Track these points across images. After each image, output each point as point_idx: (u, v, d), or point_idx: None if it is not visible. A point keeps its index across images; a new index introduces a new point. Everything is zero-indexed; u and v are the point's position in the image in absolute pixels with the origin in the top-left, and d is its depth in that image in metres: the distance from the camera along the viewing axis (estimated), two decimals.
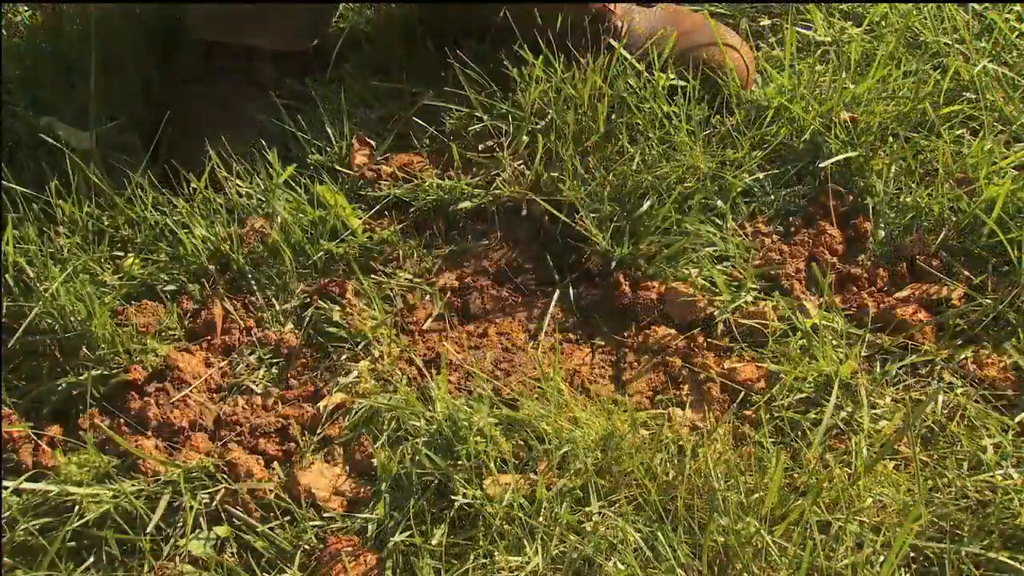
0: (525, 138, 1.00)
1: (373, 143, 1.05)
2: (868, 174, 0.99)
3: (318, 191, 0.98)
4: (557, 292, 0.94)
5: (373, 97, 1.11)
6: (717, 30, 1.04)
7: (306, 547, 0.75)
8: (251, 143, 1.03)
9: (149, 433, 0.83)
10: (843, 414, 0.81)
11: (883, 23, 1.12)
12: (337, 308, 0.91)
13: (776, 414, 0.82)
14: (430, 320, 0.92)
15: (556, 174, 0.98)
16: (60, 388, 0.87)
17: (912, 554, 0.72)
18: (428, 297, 0.94)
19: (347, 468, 0.81)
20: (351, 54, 1.16)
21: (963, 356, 0.85)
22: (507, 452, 0.77)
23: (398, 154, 1.04)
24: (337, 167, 1.02)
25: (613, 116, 1.01)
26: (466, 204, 0.99)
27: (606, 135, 1.00)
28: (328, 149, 1.04)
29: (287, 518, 0.77)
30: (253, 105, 1.07)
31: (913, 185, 0.98)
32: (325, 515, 0.77)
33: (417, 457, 0.77)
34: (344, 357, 0.88)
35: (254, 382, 0.88)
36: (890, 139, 1.00)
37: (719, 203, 0.97)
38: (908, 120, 1.01)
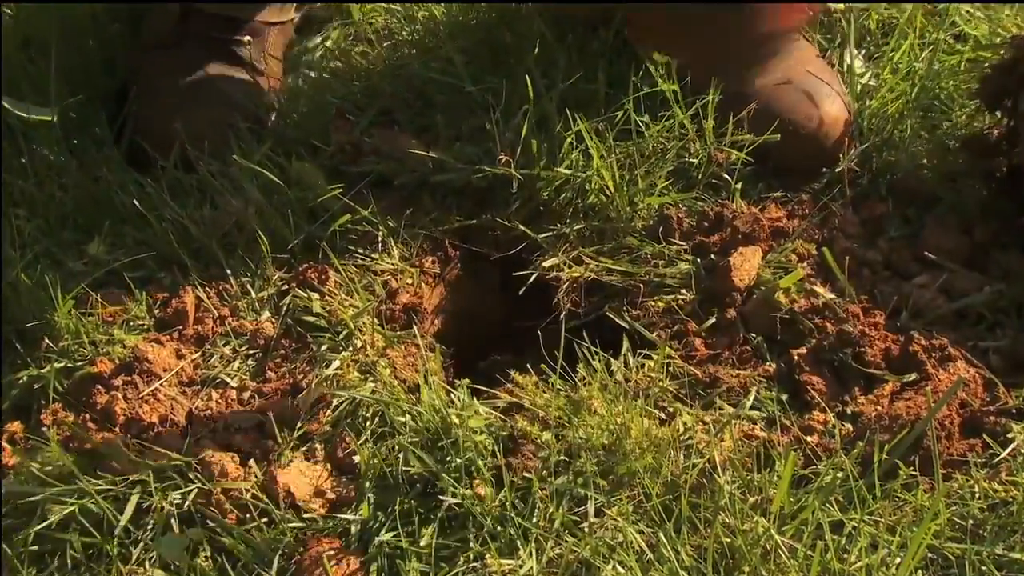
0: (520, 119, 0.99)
1: (354, 117, 1.04)
2: (885, 153, 0.99)
3: (295, 169, 0.97)
4: None
5: (357, 69, 1.10)
6: (816, 81, 0.95)
7: (285, 550, 0.75)
8: (224, 118, 1.02)
9: (117, 429, 0.83)
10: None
11: None
12: (316, 295, 0.91)
13: None
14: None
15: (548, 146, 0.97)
16: (21, 381, 0.86)
17: (930, 555, 0.72)
18: (413, 281, 0.93)
19: (328, 466, 0.80)
20: (335, 25, 1.15)
21: (985, 345, 0.85)
22: (499, 450, 0.76)
23: (381, 129, 1.03)
24: (316, 143, 1.01)
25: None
26: (453, 179, 0.98)
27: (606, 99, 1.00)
28: (307, 124, 1.03)
29: (264, 519, 0.76)
30: (227, 77, 1.06)
31: (934, 161, 0.97)
32: (305, 516, 0.77)
33: (403, 454, 0.77)
34: (324, 348, 0.87)
35: (229, 375, 0.87)
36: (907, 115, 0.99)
37: (726, 176, 0.97)
38: (926, 94, 1.01)
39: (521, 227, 0.97)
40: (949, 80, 1.02)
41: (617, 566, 0.71)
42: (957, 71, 1.02)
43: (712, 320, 0.88)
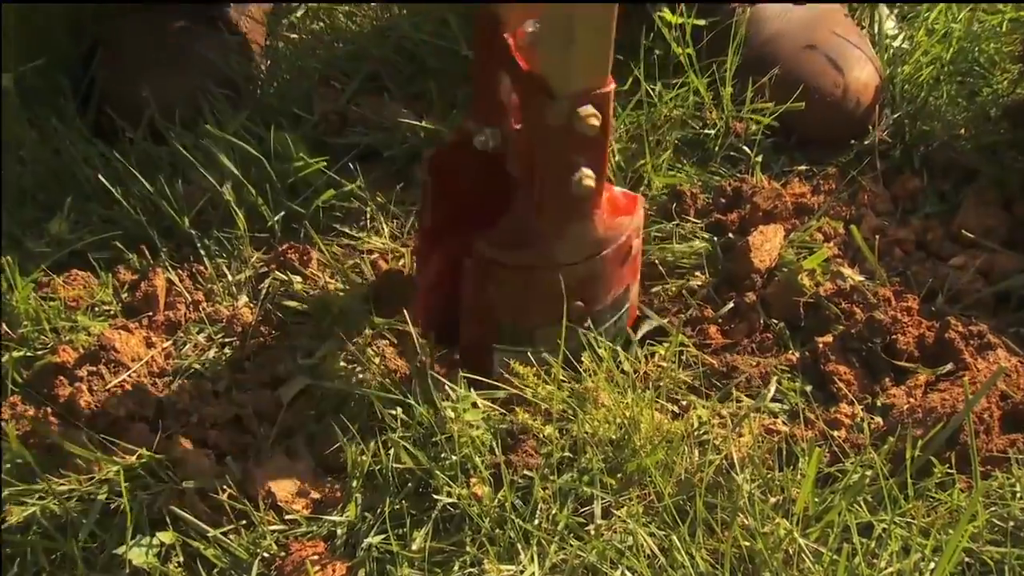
0: None
1: (339, 84, 1.04)
2: (919, 123, 0.98)
3: (275, 140, 0.96)
4: None
5: (342, 31, 1.09)
6: (847, 52, 0.95)
7: (265, 555, 0.74)
8: (198, 84, 1.01)
9: (81, 424, 0.82)
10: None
11: None
12: (298, 278, 0.90)
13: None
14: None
15: None
16: None
17: (967, 560, 0.72)
18: (403, 262, 0.92)
19: (312, 464, 0.80)
20: None
21: None
22: (498, 446, 0.76)
23: (369, 97, 1.03)
24: (298, 111, 1.00)
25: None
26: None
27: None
28: (287, 91, 1.03)
29: (243, 522, 0.76)
30: (201, 40, 1.05)
31: (973, 131, 0.97)
32: (287, 518, 0.76)
33: (394, 451, 0.76)
34: (307, 335, 0.87)
35: (203, 365, 0.87)
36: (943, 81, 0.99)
37: (745, 148, 0.96)
38: (964, 57, 1.00)
39: None
40: (990, 42, 1.01)
41: (626, 572, 0.70)
42: (998, 32, 1.02)
43: (730, 305, 0.88)
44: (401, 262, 0.93)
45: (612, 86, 0.70)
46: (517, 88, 0.73)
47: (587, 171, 0.72)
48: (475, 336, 0.81)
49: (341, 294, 0.89)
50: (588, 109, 0.69)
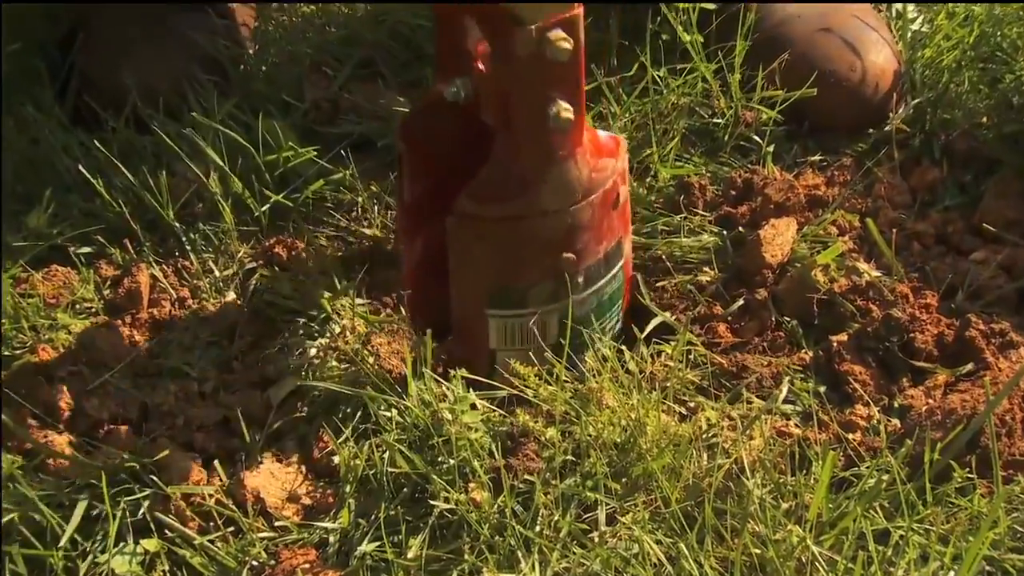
0: None
1: (331, 70, 1.03)
2: (939, 110, 0.98)
3: (264, 129, 0.96)
4: None
5: (334, 14, 1.09)
6: (864, 36, 0.95)
7: (254, 563, 0.74)
8: (183, 70, 1.00)
9: (61, 426, 0.82)
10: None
11: None
12: (287, 274, 0.90)
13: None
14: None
15: None
16: None
17: (988, 568, 0.72)
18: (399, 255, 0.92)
19: (303, 468, 0.80)
20: None
21: None
22: (497, 449, 0.76)
23: (362, 83, 1.02)
24: (287, 98, 1.00)
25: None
26: None
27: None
28: (277, 77, 1.02)
29: (231, 529, 0.76)
30: (187, 23, 1.05)
31: (995, 120, 0.96)
32: (277, 524, 0.77)
33: (389, 454, 0.76)
34: (299, 333, 0.87)
35: (189, 365, 0.87)
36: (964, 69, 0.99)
37: (756, 137, 0.95)
38: (986, 42, 1.00)
39: None
40: (1012, 27, 1.01)
41: None
42: (1022, 16, 1.01)
43: (740, 302, 0.88)
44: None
45: (580, 9, 0.70)
46: (483, 27, 0.73)
47: (563, 104, 0.72)
48: (465, 305, 0.80)
49: (331, 289, 0.89)
50: (558, 33, 0.69)
